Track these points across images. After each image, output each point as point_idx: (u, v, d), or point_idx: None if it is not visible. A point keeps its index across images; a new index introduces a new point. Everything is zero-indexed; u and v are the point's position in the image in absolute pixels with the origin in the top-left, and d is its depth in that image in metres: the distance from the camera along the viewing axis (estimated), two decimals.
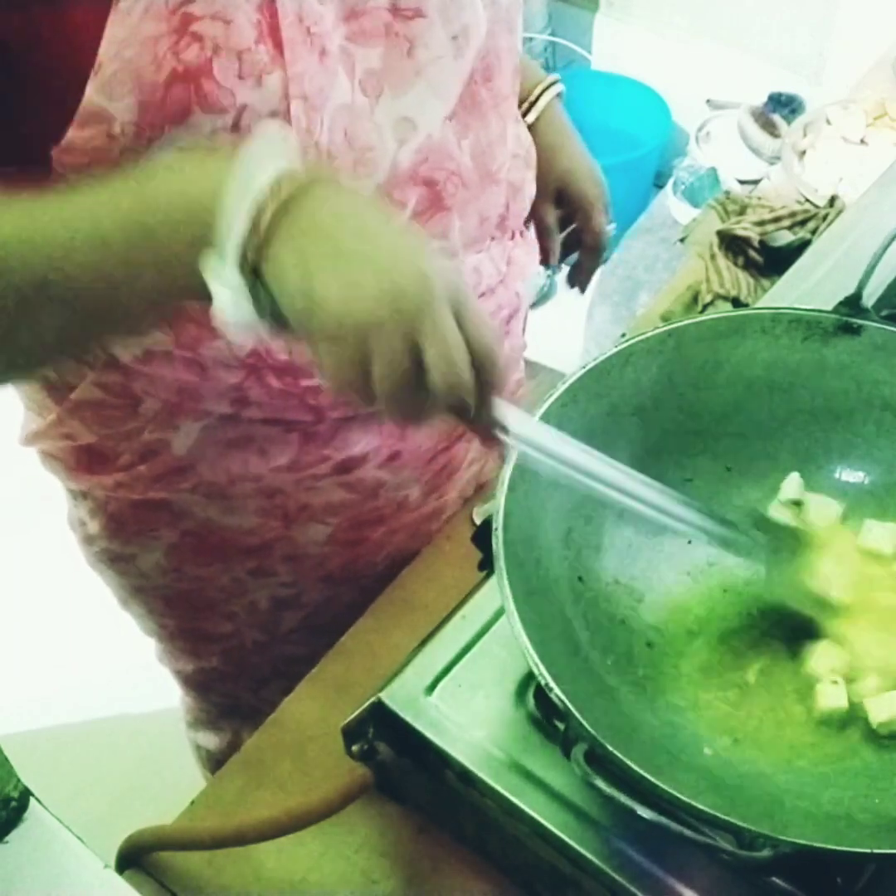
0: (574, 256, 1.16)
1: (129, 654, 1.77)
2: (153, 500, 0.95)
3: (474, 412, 0.60)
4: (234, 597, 1.06)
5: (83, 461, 0.96)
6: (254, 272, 0.57)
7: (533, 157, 0.96)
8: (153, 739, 1.78)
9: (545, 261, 1.12)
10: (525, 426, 0.64)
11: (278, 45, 0.68)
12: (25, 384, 0.94)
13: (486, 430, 0.62)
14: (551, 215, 1.10)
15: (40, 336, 0.62)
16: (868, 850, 0.60)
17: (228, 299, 0.58)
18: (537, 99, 1.06)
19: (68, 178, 0.69)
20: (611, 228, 1.13)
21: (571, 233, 1.13)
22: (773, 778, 0.69)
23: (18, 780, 0.68)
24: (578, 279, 1.17)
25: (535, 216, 1.10)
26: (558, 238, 1.12)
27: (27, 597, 2.01)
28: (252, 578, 1.03)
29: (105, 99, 0.65)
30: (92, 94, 0.65)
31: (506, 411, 0.62)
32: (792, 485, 0.80)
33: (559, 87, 1.07)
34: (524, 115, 1.05)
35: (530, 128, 1.04)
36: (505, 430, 0.62)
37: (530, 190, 0.96)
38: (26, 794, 0.69)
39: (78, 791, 1.64)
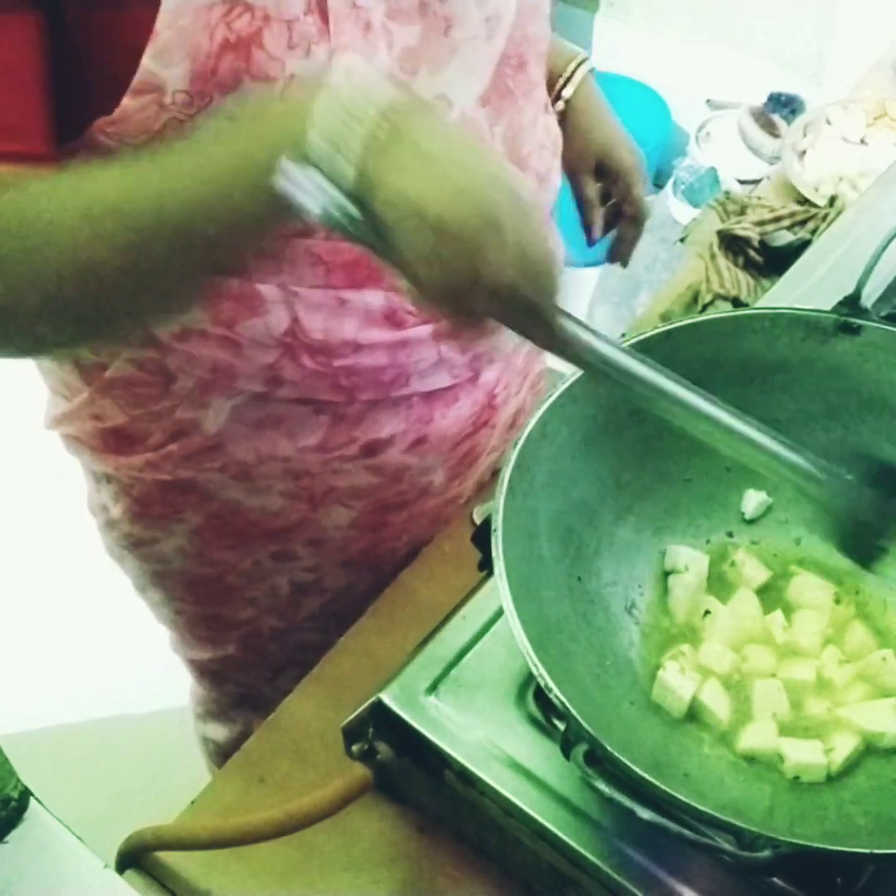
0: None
1: (130, 655, 1.77)
2: (181, 480, 0.96)
3: (536, 319, 0.62)
4: (254, 581, 1.06)
5: (111, 443, 0.96)
6: (362, 185, 0.59)
7: (559, 146, 0.97)
8: (153, 739, 1.78)
9: (589, 237, 1.14)
10: (587, 336, 0.63)
11: (324, 16, 0.70)
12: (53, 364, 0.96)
13: (549, 342, 0.63)
14: (592, 188, 1.12)
15: (166, 280, 0.66)
16: (868, 851, 0.61)
17: (320, 205, 0.59)
18: (573, 73, 1.07)
19: (115, 149, 0.71)
20: (659, 214, 1.14)
21: (611, 207, 1.14)
22: (772, 778, 0.69)
23: (18, 780, 0.68)
24: (620, 252, 1.17)
25: (575, 190, 1.12)
26: (600, 211, 1.13)
27: (28, 598, 2.01)
28: (274, 562, 1.04)
29: (159, 66, 0.67)
30: (147, 61, 0.67)
31: (570, 325, 0.63)
32: (752, 502, 0.81)
33: (591, 63, 1.09)
34: (561, 89, 1.07)
35: (568, 103, 1.07)
36: (568, 343, 0.63)
37: (555, 180, 0.97)
38: (26, 794, 0.69)
39: (78, 791, 1.63)
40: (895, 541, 0.71)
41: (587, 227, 1.13)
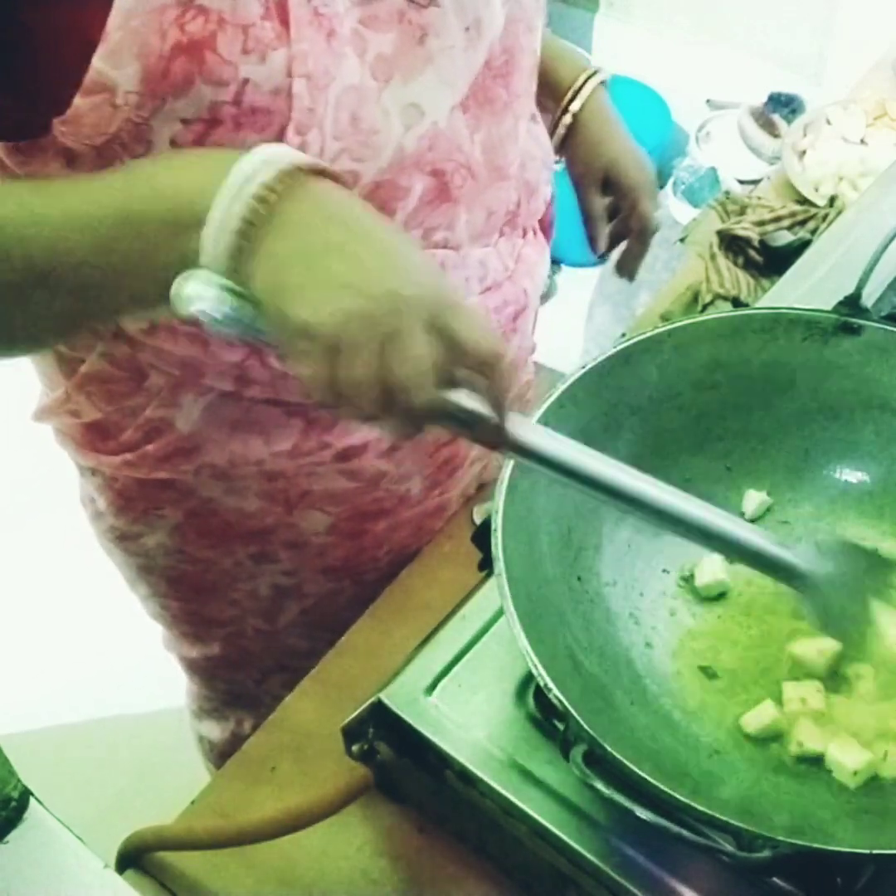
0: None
1: (130, 654, 1.77)
2: (159, 479, 0.96)
3: (479, 424, 0.61)
4: (236, 581, 1.06)
5: (89, 438, 0.97)
6: (233, 266, 0.59)
7: (551, 157, 0.97)
8: (153, 739, 1.78)
9: (594, 249, 1.13)
10: (534, 436, 0.62)
11: (285, 22, 0.69)
12: (36, 356, 0.96)
13: (496, 442, 0.62)
14: (598, 203, 1.11)
15: (34, 317, 0.66)
16: (868, 851, 0.61)
17: (210, 299, 0.60)
18: (582, 87, 1.07)
19: (68, 151, 0.72)
20: (658, 214, 1.13)
21: (619, 222, 1.13)
22: (772, 778, 0.69)
23: (18, 780, 0.68)
24: (627, 266, 1.16)
25: (582, 204, 1.11)
26: (605, 226, 1.13)
27: (26, 598, 2.01)
28: (254, 563, 1.04)
29: (110, 66, 0.66)
30: (97, 61, 0.66)
31: (517, 424, 0.61)
32: (752, 502, 0.81)
33: (604, 75, 1.09)
34: (570, 103, 1.07)
35: (576, 116, 1.06)
36: (514, 443, 0.62)
37: (546, 191, 0.97)
38: (26, 794, 0.69)
39: (78, 791, 1.63)
40: (869, 620, 0.72)
41: (592, 241, 1.13)
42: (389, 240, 0.61)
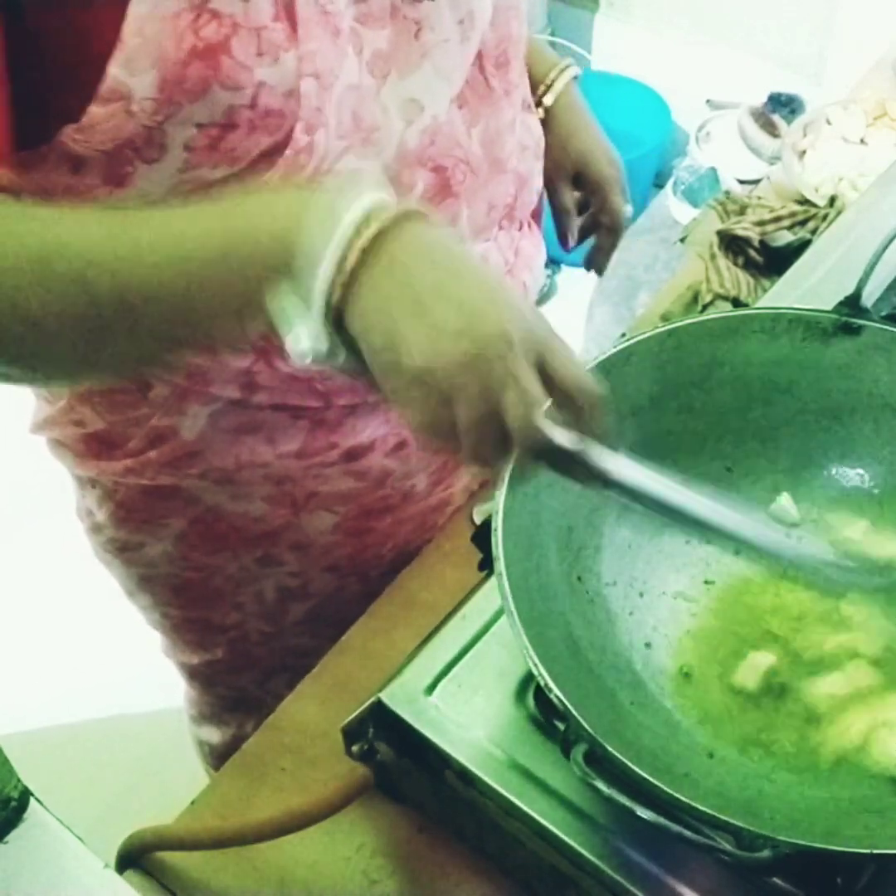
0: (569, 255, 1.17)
1: (130, 655, 1.77)
2: (162, 486, 0.95)
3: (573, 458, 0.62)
4: (241, 586, 1.06)
5: (92, 447, 0.96)
6: (337, 314, 0.58)
7: (542, 148, 0.97)
8: (153, 739, 1.78)
9: (564, 243, 1.14)
10: (624, 468, 0.64)
11: (293, 22, 0.69)
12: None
13: (588, 475, 0.63)
14: (569, 197, 1.11)
15: (117, 348, 0.64)
16: (868, 851, 0.61)
17: (305, 335, 0.59)
18: (554, 81, 1.07)
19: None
20: (628, 209, 1.13)
21: (589, 216, 1.14)
22: (772, 778, 0.69)
23: (18, 780, 0.68)
24: (596, 261, 1.17)
25: (552, 199, 1.11)
26: (576, 220, 1.13)
27: (27, 598, 2.01)
28: (259, 567, 1.04)
29: (126, 74, 0.66)
30: (114, 69, 0.66)
31: (605, 456, 0.63)
32: (782, 507, 0.81)
33: (575, 70, 1.09)
34: (542, 97, 1.07)
35: (548, 110, 1.06)
36: (604, 474, 0.63)
37: (538, 182, 0.97)
38: (26, 794, 0.69)
39: (78, 791, 1.64)
40: None
41: (561, 235, 1.13)
42: (484, 276, 0.61)
